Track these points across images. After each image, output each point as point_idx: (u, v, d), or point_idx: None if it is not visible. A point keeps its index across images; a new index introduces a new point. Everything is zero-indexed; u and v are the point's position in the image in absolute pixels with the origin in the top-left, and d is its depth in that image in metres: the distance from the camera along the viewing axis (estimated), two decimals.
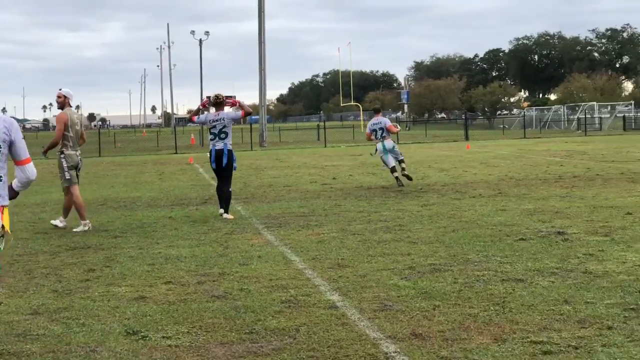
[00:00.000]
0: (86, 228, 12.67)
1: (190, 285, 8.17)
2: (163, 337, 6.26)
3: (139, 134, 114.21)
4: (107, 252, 10.44)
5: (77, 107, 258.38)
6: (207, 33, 74.20)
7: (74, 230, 12.60)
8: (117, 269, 9.23)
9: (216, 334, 6.31)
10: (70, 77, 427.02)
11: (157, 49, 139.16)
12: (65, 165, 12.90)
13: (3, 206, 5.66)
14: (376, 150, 19.32)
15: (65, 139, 12.89)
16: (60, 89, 13.10)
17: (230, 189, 13.98)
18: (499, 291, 7.40)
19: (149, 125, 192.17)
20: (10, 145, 5.76)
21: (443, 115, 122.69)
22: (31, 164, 5.96)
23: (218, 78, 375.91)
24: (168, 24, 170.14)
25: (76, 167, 13.04)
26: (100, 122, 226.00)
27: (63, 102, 13.06)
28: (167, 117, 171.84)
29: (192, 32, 73.19)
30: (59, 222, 13.10)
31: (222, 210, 13.78)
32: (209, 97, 14.80)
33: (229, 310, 7.02)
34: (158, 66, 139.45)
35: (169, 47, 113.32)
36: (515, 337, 5.92)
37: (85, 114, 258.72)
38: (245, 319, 6.71)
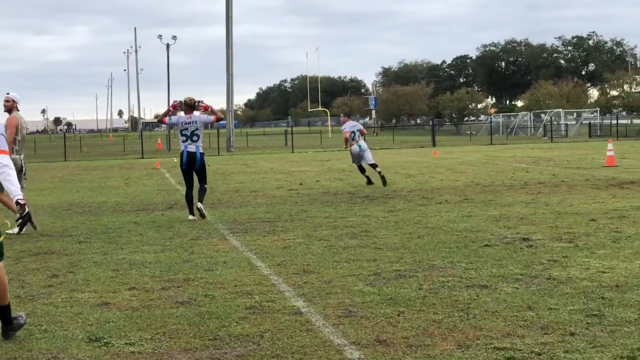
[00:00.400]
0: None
1: (154, 291, 8.11)
2: (126, 343, 6.21)
3: (106, 138, 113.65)
4: (70, 258, 10.35)
5: (43, 110, 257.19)
6: (174, 37, 73.91)
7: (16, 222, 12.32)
8: (80, 274, 9.15)
9: (180, 340, 6.28)
10: (36, 81, 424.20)
11: (124, 53, 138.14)
12: None
13: None
14: (352, 155, 21.05)
15: (12, 143, 12.79)
16: (7, 93, 13.06)
17: (205, 185, 14.34)
18: (463, 297, 7.43)
19: (115, 130, 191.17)
20: None
21: (418, 120, 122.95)
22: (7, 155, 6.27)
23: (185, 82, 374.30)
24: (135, 28, 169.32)
25: (20, 172, 12.92)
26: (66, 127, 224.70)
27: (11, 106, 13.01)
28: (134, 121, 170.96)
29: (160, 36, 72.91)
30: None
31: (199, 204, 13.97)
32: (179, 101, 14.85)
33: (193, 317, 6.99)
34: (125, 70, 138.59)
35: (136, 51, 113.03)
36: (479, 343, 5.94)
37: (51, 118, 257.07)
38: (209, 325, 6.68)
